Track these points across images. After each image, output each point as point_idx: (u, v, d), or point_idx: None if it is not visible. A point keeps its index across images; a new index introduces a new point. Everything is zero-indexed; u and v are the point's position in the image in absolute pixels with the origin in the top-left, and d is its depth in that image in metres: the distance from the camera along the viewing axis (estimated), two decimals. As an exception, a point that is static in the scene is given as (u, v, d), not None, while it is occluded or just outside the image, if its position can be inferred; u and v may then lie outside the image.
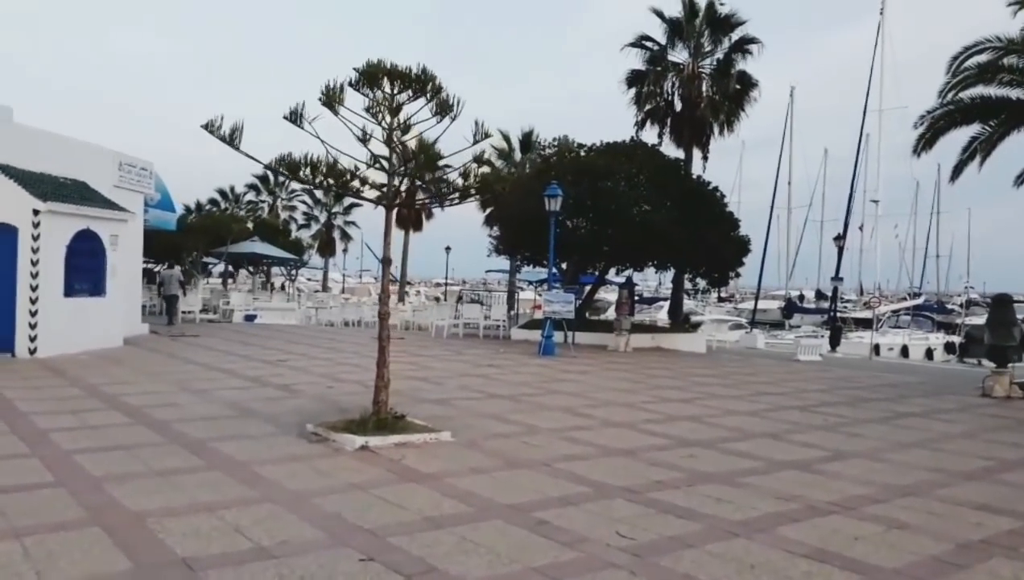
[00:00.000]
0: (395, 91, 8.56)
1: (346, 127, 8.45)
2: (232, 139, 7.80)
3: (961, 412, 12.46)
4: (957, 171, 17.01)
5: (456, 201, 9.06)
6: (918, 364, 29.86)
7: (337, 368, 14.56)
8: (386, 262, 8.86)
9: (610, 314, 30.26)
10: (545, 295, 20.09)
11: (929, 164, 79.17)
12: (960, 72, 15.51)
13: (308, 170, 8.38)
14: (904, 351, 38.39)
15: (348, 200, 48.12)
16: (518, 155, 33.82)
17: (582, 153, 22.89)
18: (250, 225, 38.09)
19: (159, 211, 22.85)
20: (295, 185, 47.05)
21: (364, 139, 8.73)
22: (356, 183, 8.88)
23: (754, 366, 19.66)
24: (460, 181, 8.67)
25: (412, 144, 8.52)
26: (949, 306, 64.84)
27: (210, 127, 7.94)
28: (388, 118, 8.63)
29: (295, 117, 8.35)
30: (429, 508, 6.04)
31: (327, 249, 51.24)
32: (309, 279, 62.09)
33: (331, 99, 8.29)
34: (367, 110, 8.17)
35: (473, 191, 9.22)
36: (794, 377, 17.10)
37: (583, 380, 14.59)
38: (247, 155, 8.04)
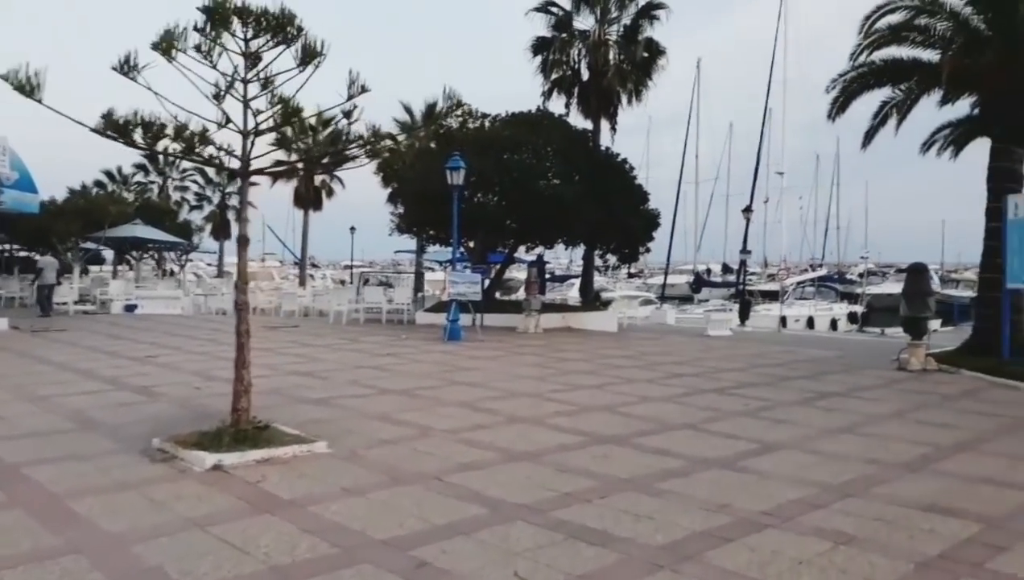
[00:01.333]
0: (249, 35, 7.16)
1: (193, 83, 7.03)
2: (29, 88, 6.24)
3: (882, 389, 11.92)
4: (869, 137, 16.58)
5: (330, 167, 7.74)
6: (826, 336, 30.03)
7: (214, 364, 12.97)
8: (242, 241, 7.45)
9: (521, 294, 29.32)
10: (450, 275, 18.87)
11: (829, 138, 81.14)
12: (872, 33, 14.97)
13: (140, 132, 6.91)
14: (810, 322, 38.88)
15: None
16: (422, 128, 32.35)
17: (486, 124, 21.67)
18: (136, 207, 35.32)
19: (17, 192, 20.49)
20: (187, 164, 44.27)
21: (217, 96, 7.32)
22: (210, 149, 7.45)
23: (667, 344, 18.98)
24: (334, 144, 7.30)
25: (262, 103, 7.10)
26: (849, 276, 66.80)
27: (8, 77, 6.37)
28: (242, 68, 7.23)
29: (127, 67, 6.86)
30: (280, 551, 4.79)
31: (221, 232, 48.29)
32: (208, 264, 58.96)
33: (170, 45, 6.83)
34: (206, 55, 6.72)
35: (354, 154, 7.94)
36: (708, 355, 16.45)
37: (489, 367, 13.48)
38: (54, 110, 6.50)
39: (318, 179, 40.95)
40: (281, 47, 7.19)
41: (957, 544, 5.12)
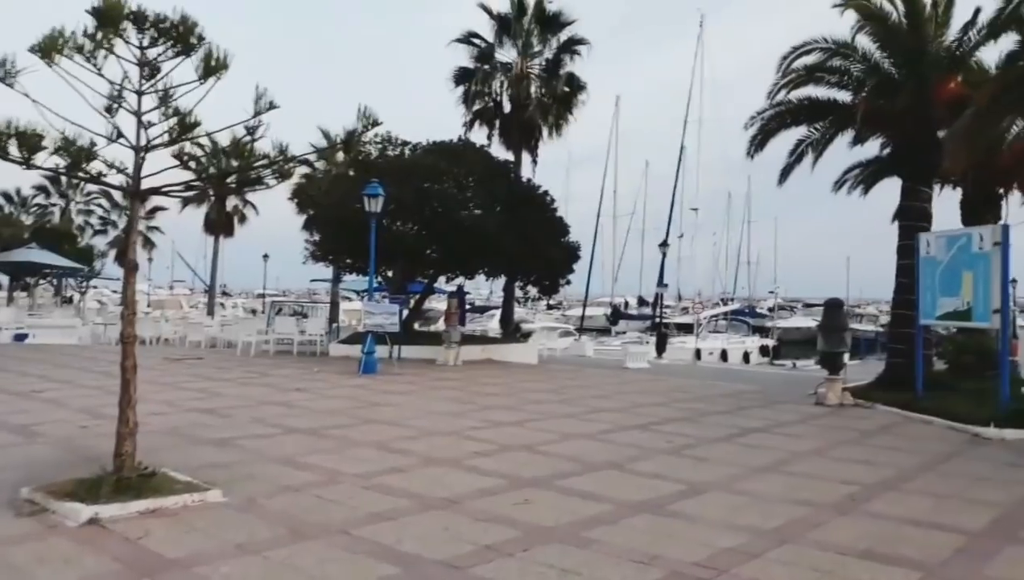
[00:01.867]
0: (145, 42, 6.55)
1: (81, 94, 6.36)
2: None
3: (802, 424, 11.86)
4: (785, 174, 16.83)
5: (234, 188, 7.13)
6: (739, 368, 30.48)
7: (105, 399, 11.88)
8: (129, 267, 6.76)
9: (441, 325, 28.77)
10: (366, 306, 18.20)
11: (741, 177, 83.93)
12: (789, 72, 15.23)
13: (16, 144, 6.18)
14: (723, 355, 39.53)
15: (152, 201, 43.84)
16: (340, 155, 31.60)
17: (407, 151, 21.20)
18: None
19: None
20: (92, 187, 42.24)
21: (109, 108, 6.66)
22: (99, 165, 6.76)
23: (587, 377, 18.73)
24: (233, 161, 6.73)
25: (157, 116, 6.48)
26: (759, 310, 68.62)
27: None
28: (136, 79, 6.60)
29: (2, 72, 6.16)
30: (156, 626, 4.14)
31: (127, 257, 46.28)
32: (114, 291, 56.22)
33: (51, 48, 6.16)
34: (92, 61, 6.08)
35: (260, 175, 7.35)
36: (628, 388, 16.24)
37: (405, 403, 12.88)
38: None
39: (230, 204, 39.62)
40: (181, 57, 6.62)
41: (898, 597, 4.85)
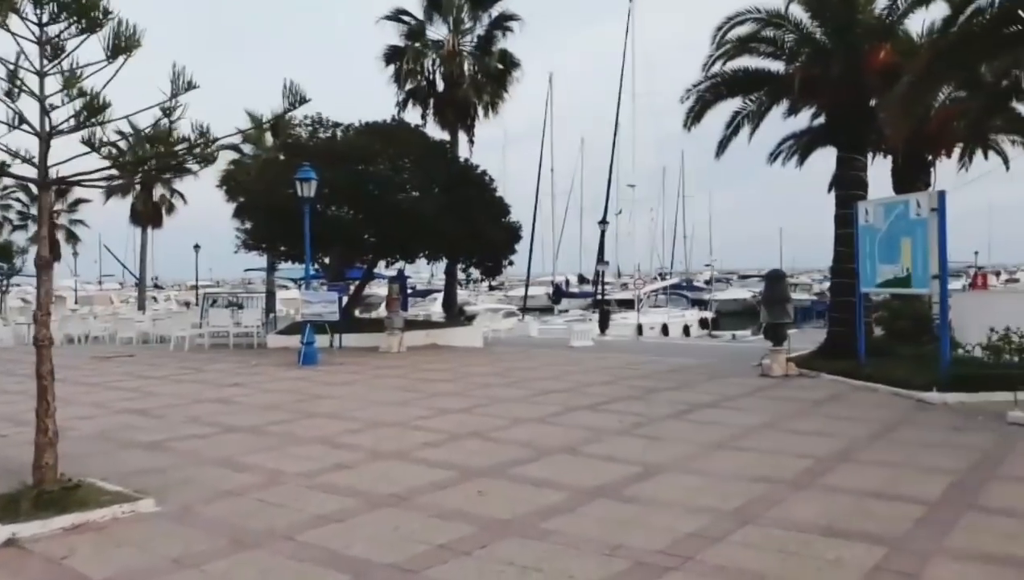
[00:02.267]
0: (44, 18, 6.00)
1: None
2: None
3: (750, 397, 11.86)
4: (722, 146, 16.80)
5: (153, 173, 6.62)
6: (682, 342, 30.76)
7: (29, 405, 11.16)
8: (43, 264, 6.21)
9: (383, 311, 28.24)
10: (303, 295, 17.65)
11: (676, 152, 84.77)
12: (724, 43, 15.15)
13: None
14: (664, 329, 39.87)
15: (75, 193, 42.00)
16: (269, 140, 30.64)
17: (339, 133, 20.54)
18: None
19: None
20: (7, 180, 40.20)
21: (9, 92, 6.10)
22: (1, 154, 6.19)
23: (533, 358, 18.53)
24: (149, 146, 6.23)
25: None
26: (696, 284, 69.66)
27: None
28: (36, 59, 6.05)
29: None
30: (81, 661, 3.75)
31: (52, 253, 44.17)
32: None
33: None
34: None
35: (180, 160, 6.86)
36: (574, 367, 16.10)
37: (348, 394, 12.47)
38: None
39: (157, 194, 38.15)
40: (85, 34, 6.09)
41: (866, 574, 4.74)
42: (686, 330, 41.98)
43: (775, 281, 14.69)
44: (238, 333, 21.64)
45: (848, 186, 15.11)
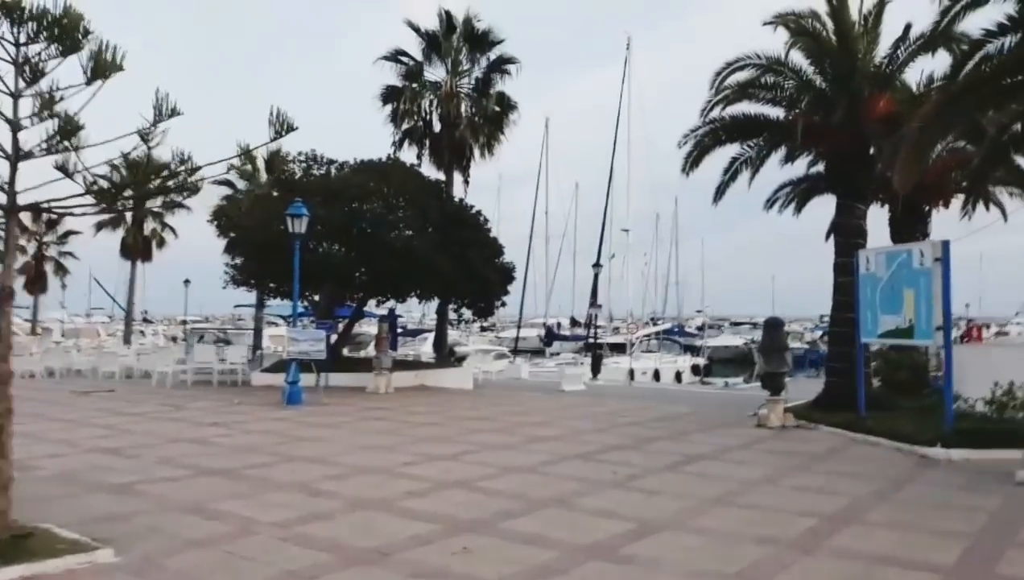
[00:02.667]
0: (22, 38, 5.72)
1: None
2: None
3: (747, 450, 11.45)
4: (720, 192, 16.61)
5: (126, 201, 6.30)
6: (674, 388, 30.27)
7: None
8: (4, 295, 5.82)
9: (372, 350, 27.80)
10: (289, 333, 17.23)
11: (669, 198, 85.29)
12: (723, 89, 15.04)
13: None
14: (656, 375, 39.46)
15: (65, 224, 41.69)
16: (264, 176, 30.43)
17: (333, 170, 20.32)
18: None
19: None
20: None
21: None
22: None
23: (524, 402, 18.10)
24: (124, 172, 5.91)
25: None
26: (688, 330, 69.40)
27: None
28: (11, 80, 5.76)
29: None
30: None
31: (36, 285, 43.67)
32: (27, 320, 53.07)
33: None
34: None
35: (162, 187, 6.54)
36: (566, 413, 15.69)
37: (332, 437, 12.01)
38: None
39: (147, 228, 37.79)
40: (63, 56, 5.80)
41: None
42: (678, 376, 41.61)
43: (773, 329, 14.35)
44: (223, 370, 21.14)
45: (848, 234, 14.88)
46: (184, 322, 67.55)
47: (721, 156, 16.36)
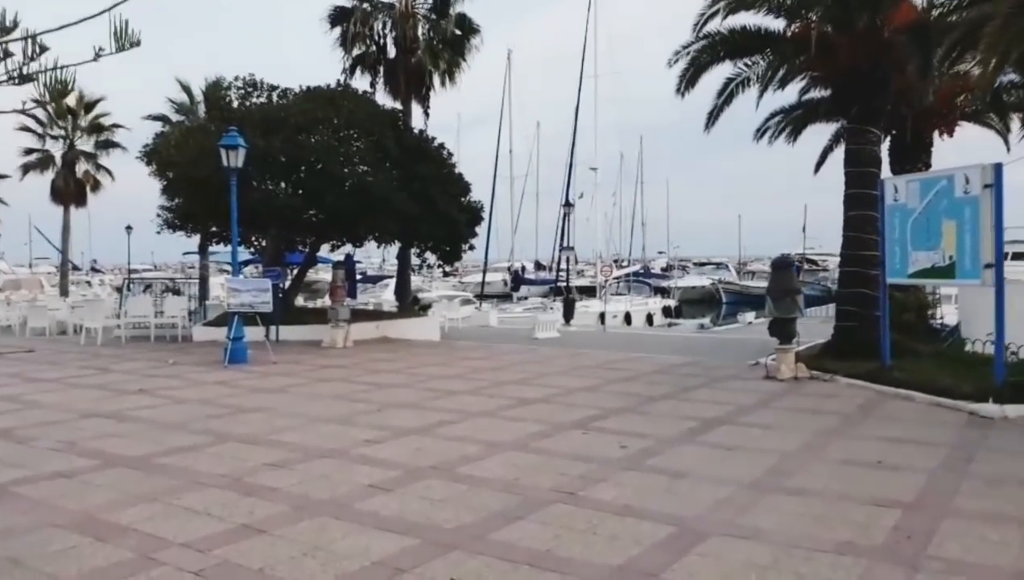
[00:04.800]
0: None
1: None
2: None
3: (766, 409, 9.86)
4: (713, 117, 14.82)
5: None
6: (652, 333, 28.80)
7: None
8: None
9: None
10: (229, 282, 15.17)
11: (632, 140, 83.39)
12: (719, -1, 13.08)
13: None
14: (627, 318, 38.16)
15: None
16: (203, 110, 27.78)
17: (275, 98, 18.00)
18: None
19: None
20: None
21: None
22: None
23: (498, 354, 16.36)
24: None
25: None
26: (653, 271, 68.33)
27: None
28: None
29: None
30: None
31: (-36, 235, 40.69)
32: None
33: None
34: None
35: None
36: (548, 367, 14.01)
37: (278, 405, 10.15)
38: None
39: (80, 169, 34.84)
40: None
41: None
42: (649, 319, 40.35)
43: (782, 270, 12.70)
44: (161, 324, 19.05)
45: (862, 162, 13.22)
46: (134, 271, 64.38)
47: (711, 79, 14.55)
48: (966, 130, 19.49)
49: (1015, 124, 17.77)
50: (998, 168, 9.56)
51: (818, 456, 7.43)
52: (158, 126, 25.64)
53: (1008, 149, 19.76)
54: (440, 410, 9.68)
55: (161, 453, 7.50)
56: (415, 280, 38.78)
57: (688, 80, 13.79)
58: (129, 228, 43.98)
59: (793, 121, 18.05)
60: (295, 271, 21.95)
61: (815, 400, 10.41)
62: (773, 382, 11.91)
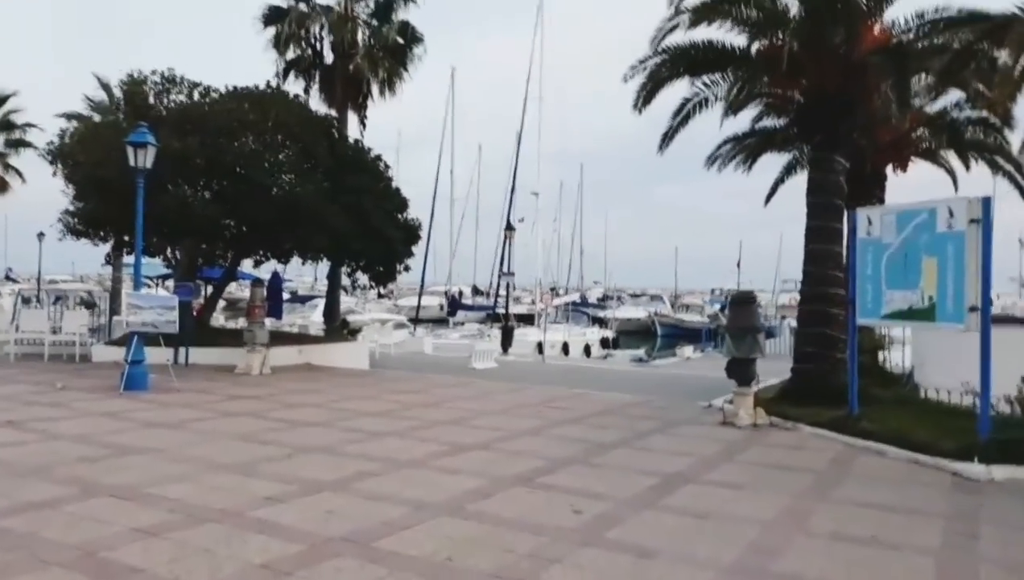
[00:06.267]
0: None
1: None
2: None
3: (731, 463, 8.78)
4: (668, 138, 13.93)
5: None
6: (593, 366, 27.87)
7: None
8: None
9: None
10: (130, 297, 13.57)
11: (573, 170, 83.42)
12: (681, 11, 12.20)
13: None
14: (565, 348, 37.20)
15: None
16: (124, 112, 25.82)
17: (196, 95, 16.43)
18: None
19: None
20: None
21: None
22: None
23: (431, 387, 15.02)
24: None
25: None
26: (590, 301, 67.86)
27: None
28: None
29: None
30: None
31: None
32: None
33: None
34: None
35: None
36: (486, 405, 12.79)
37: (169, 446, 8.63)
38: None
39: (-19, 170, 32.37)
40: None
41: None
42: (587, 349, 39.49)
43: (742, 305, 11.75)
44: (57, 341, 17.13)
45: (826, 192, 12.45)
46: (53, 282, 60.76)
47: (664, 100, 13.71)
48: (917, 166, 19.22)
49: (973, 162, 17.44)
50: (986, 202, 8.78)
51: (802, 528, 6.35)
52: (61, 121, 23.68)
53: (956, 189, 19.52)
54: (361, 457, 8.33)
55: (5, 511, 5.98)
56: (347, 301, 37.10)
57: (646, 96, 12.87)
58: (41, 234, 41.03)
59: (746, 149, 17.39)
60: (210, 288, 20.25)
61: (781, 453, 9.40)
62: (731, 429, 10.90)
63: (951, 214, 8.99)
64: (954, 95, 15.83)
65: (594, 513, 6.49)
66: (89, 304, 28.51)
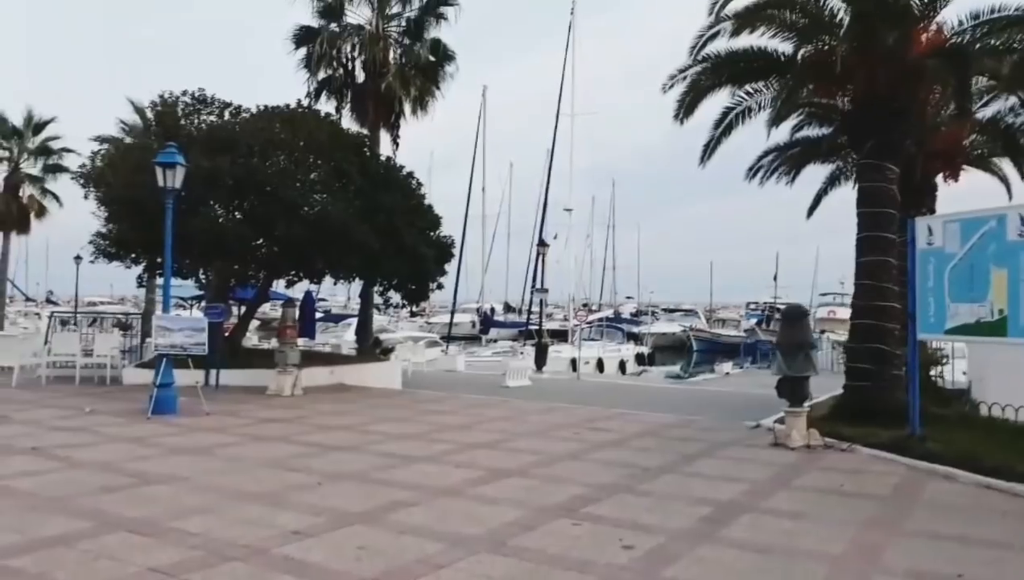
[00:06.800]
0: None
1: None
2: None
3: (788, 490, 8.21)
4: (709, 150, 13.45)
5: None
6: (630, 383, 27.25)
7: None
8: None
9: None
10: (158, 320, 13.30)
11: (605, 181, 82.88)
12: (722, 19, 11.74)
13: None
14: (599, 365, 36.60)
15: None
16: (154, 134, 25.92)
17: (227, 115, 16.29)
18: None
19: None
20: None
21: None
22: None
23: (466, 408, 14.59)
24: None
25: None
26: (623, 316, 67.01)
27: None
28: None
29: None
30: None
31: None
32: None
33: None
34: None
35: None
36: (521, 425, 12.34)
37: (194, 474, 8.27)
38: None
39: (25, 194, 32.72)
40: None
41: None
42: (622, 366, 38.84)
43: (794, 321, 11.12)
44: (88, 364, 17.00)
45: (878, 202, 11.86)
46: (92, 304, 61.51)
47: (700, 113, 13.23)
48: (965, 175, 18.45)
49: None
50: (1062, 208, 8.17)
51: (876, 564, 5.78)
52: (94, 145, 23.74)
53: (1010, 198, 18.71)
54: (394, 485, 7.90)
55: (17, 549, 5.63)
56: (380, 320, 36.89)
57: (687, 106, 12.42)
58: (78, 258, 41.48)
59: (790, 160, 16.82)
60: (244, 309, 20.07)
61: (839, 477, 8.79)
62: (783, 450, 10.30)
63: (1022, 221, 8.38)
64: (1008, 100, 15.13)
65: (646, 548, 5.97)
66: (125, 326, 28.64)
